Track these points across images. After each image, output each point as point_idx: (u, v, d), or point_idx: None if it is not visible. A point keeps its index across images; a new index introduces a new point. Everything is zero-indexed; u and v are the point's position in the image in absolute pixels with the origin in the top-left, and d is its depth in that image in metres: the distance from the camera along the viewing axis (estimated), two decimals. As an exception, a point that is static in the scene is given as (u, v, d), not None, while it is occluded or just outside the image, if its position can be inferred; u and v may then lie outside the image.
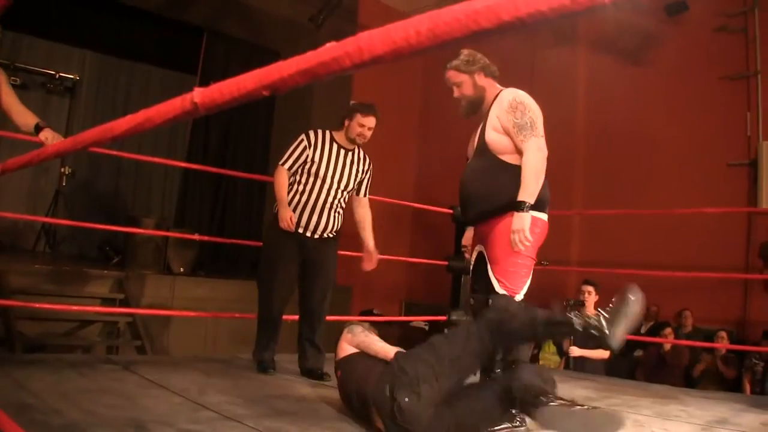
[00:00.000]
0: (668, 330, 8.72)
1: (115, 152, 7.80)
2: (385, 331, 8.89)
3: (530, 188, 3.83)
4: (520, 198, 3.80)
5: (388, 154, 12.26)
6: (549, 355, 9.84)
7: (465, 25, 0.92)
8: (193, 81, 11.22)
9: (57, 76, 10.53)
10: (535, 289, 10.94)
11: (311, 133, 5.01)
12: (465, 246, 4.47)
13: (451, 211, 6.89)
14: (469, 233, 4.44)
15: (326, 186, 4.93)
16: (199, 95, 1.32)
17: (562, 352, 9.85)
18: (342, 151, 5.02)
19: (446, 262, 6.96)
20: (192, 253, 9.56)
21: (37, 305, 6.46)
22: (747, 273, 9.34)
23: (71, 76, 10.93)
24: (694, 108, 10.10)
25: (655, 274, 8.37)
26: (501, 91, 4.10)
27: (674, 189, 9.74)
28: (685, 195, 9.38)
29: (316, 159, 4.92)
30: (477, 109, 4.14)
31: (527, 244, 3.76)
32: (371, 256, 5.13)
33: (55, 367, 4.34)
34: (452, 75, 4.15)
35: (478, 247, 4.11)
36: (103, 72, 11.74)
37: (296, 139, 5.00)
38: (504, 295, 3.82)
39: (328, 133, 5.06)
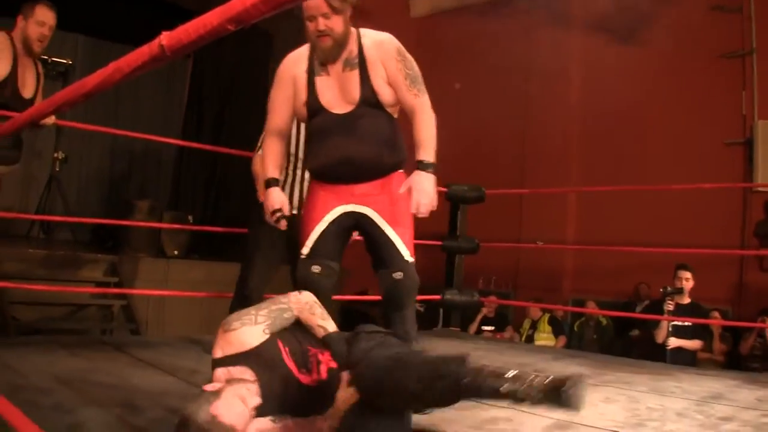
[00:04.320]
0: (662, 309, 8.71)
1: (108, 130, 7.77)
2: (378, 311, 8.94)
3: (433, 147, 3.40)
4: (426, 158, 3.35)
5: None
6: (545, 335, 9.86)
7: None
8: (186, 63, 11.19)
9: (50, 60, 10.43)
10: (533, 269, 10.95)
11: None
12: (278, 209, 3.59)
13: (445, 189, 6.85)
14: (277, 195, 3.61)
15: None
16: (166, 38, 1.30)
17: (558, 333, 9.89)
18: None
19: (440, 242, 6.94)
20: (186, 236, 9.54)
21: (30, 286, 6.45)
22: (742, 251, 9.35)
23: (64, 61, 10.86)
24: (690, 87, 10.09)
25: (651, 251, 8.37)
26: (362, 33, 3.54)
27: (670, 167, 9.71)
28: (681, 173, 9.34)
29: None
30: (340, 53, 3.46)
31: (431, 209, 3.30)
32: None
33: (47, 348, 4.32)
34: (322, 3, 3.34)
35: (351, 207, 3.50)
36: (96, 56, 11.64)
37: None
38: (412, 263, 3.51)
39: None
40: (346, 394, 2.55)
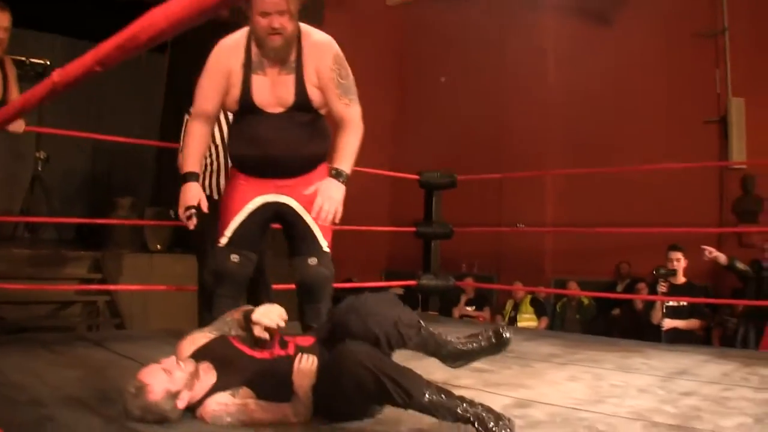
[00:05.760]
0: (641, 285, 8.83)
1: (87, 134, 7.83)
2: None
3: (351, 159, 3.46)
4: (341, 167, 3.40)
5: (364, 121, 12.29)
6: (527, 316, 9.99)
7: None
8: (162, 58, 11.24)
9: (27, 62, 10.42)
10: (515, 252, 11.06)
11: None
12: (192, 206, 3.55)
13: (417, 177, 6.93)
14: (195, 191, 3.56)
15: None
16: (57, 75, 1.54)
17: (540, 314, 10.01)
18: None
19: (413, 228, 7.02)
20: (168, 231, 9.59)
21: (14, 286, 6.52)
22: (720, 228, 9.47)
23: (41, 62, 10.86)
24: (666, 66, 10.24)
25: (631, 231, 8.48)
26: (303, 33, 3.47)
27: (648, 147, 9.86)
28: (659, 153, 9.49)
29: None
30: (288, 53, 3.44)
31: (334, 220, 3.33)
32: None
33: (27, 346, 4.40)
34: (281, 1, 3.29)
35: (272, 197, 3.56)
36: (74, 56, 11.52)
37: None
38: (329, 253, 3.61)
39: None
40: (300, 380, 2.71)
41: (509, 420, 2.53)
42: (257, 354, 2.84)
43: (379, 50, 12.72)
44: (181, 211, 3.53)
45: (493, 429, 2.45)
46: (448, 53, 11.91)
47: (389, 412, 2.79)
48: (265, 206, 3.58)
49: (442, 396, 2.53)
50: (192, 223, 3.56)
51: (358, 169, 7.56)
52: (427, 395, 2.50)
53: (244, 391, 2.72)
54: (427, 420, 2.57)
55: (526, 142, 11.28)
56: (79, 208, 11.45)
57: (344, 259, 11.26)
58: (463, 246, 8.93)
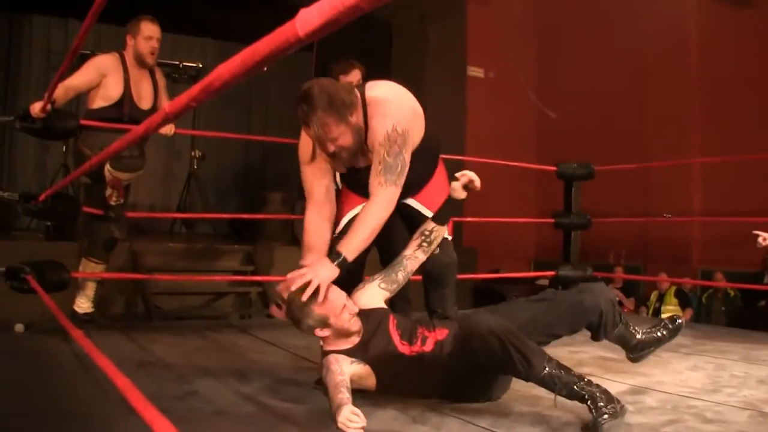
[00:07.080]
0: (787, 277, 8.60)
1: (237, 135, 8.21)
2: (509, 288, 9.07)
3: (356, 243, 3.09)
4: (342, 250, 3.02)
5: (507, 113, 12.37)
6: (671, 307, 9.87)
7: None
8: (309, 58, 11.63)
9: (181, 65, 10.97)
10: (661, 242, 10.85)
11: None
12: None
13: (554, 168, 6.98)
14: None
15: None
16: (168, 107, 1.90)
17: (685, 305, 9.87)
18: None
19: (552, 220, 7.08)
20: (317, 224, 9.91)
21: (171, 277, 6.95)
22: None
23: (194, 65, 11.40)
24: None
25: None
26: (368, 111, 3.22)
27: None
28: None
29: None
30: (361, 153, 3.26)
31: (315, 295, 2.89)
32: None
33: (179, 331, 4.79)
34: (328, 131, 3.05)
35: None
36: (224, 58, 11.96)
37: None
38: (449, 241, 3.51)
39: None
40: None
41: (621, 406, 2.69)
42: (400, 347, 3.00)
43: (522, 42, 12.79)
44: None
45: (603, 409, 2.60)
46: (589, 42, 11.82)
47: (506, 397, 2.98)
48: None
49: (561, 371, 2.72)
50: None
51: (499, 162, 7.71)
52: (546, 368, 2.70)
53: (366, 369, 2.93)
54: (542, 405, 2.71)
55: (670, 130, 11.11)
56: (233, 204, 11.97)
57: (492, 251, 11.45)
58: (610, 236, 8.94)
